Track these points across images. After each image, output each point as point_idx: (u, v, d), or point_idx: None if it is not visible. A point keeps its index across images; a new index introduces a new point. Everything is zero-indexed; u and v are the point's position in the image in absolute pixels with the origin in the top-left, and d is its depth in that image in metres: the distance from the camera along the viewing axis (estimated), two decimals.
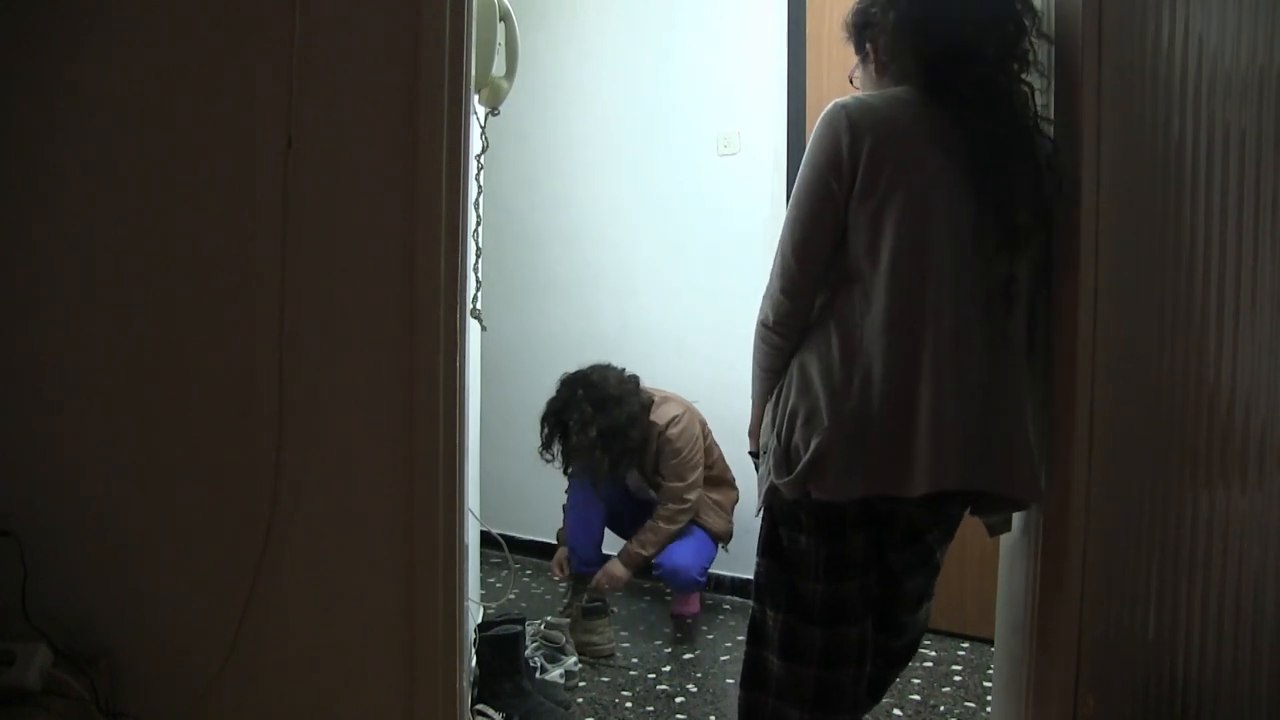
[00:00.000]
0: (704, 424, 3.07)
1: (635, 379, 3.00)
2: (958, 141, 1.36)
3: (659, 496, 2.98)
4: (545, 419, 2.97)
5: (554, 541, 3.65)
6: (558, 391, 2.97)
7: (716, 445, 3.12)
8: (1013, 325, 1.41)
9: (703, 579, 3.00)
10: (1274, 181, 1.44)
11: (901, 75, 1.45)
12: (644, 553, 2.97)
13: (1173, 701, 1.51)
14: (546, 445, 2.99)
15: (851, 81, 1.58)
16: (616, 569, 3.00)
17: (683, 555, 2.96)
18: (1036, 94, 1.46)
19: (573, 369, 3.03)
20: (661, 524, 2.95)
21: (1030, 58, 1.44)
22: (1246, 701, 1.47)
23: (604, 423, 2.85)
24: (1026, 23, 1.42)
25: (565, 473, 3.04)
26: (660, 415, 2.95)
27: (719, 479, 3.11)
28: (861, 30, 1.51)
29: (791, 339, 1.46)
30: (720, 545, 3.10)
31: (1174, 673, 1.51)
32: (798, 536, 1.45)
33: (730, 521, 3.11)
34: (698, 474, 2.97)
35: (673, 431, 2.92)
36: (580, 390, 2.89)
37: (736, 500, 3.14)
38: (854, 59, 1.57)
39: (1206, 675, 1.49)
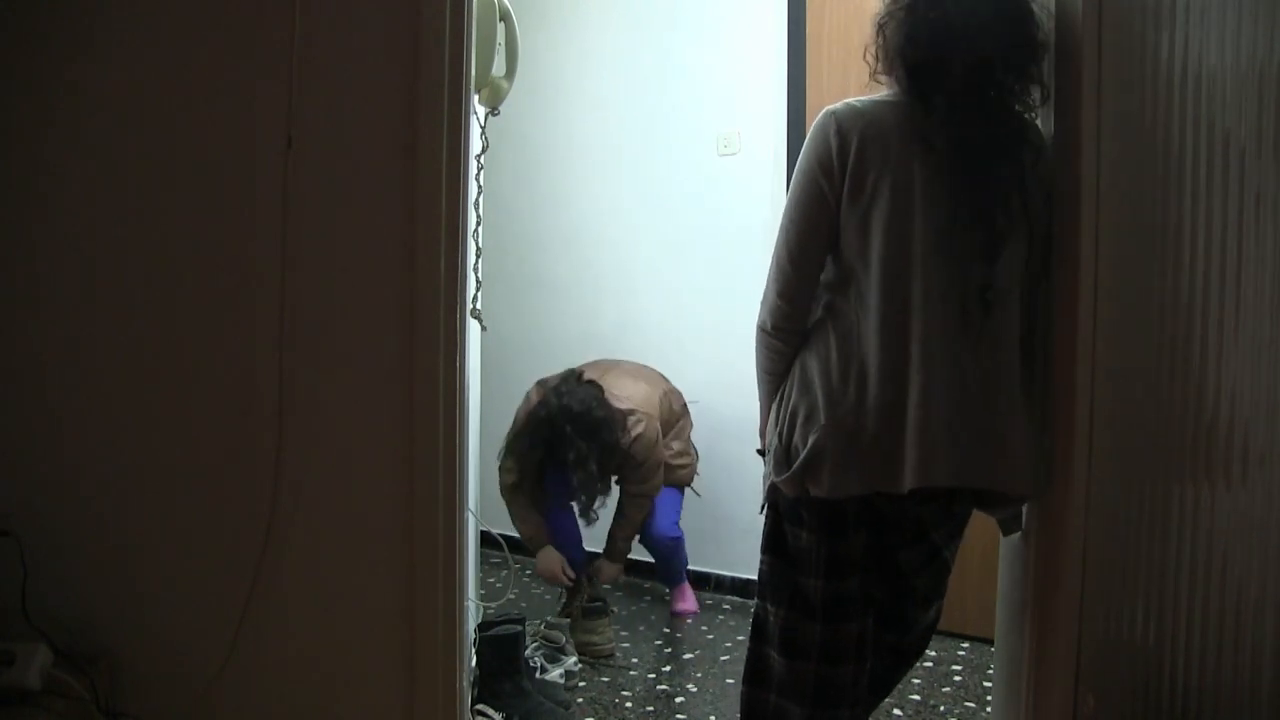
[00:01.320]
0: (669, 407, 3.06)
1: (598, 387, 2.92)
2: (937, 141, 1.37)
3: (623, 489, 2.98)
4: (530, 454, 2.87)
5: None
6: (536, 429, 2.85)
7: (688, 419, 3.13)
8: (996, 325, 1.41)
9: (678, 532, 3.07)
10: (1274, 181, 1.44)
11: (892, 71, 1.46)
12: (625, 546, 3.01)
13: (1173, 701, 1.51)
14: (539, 479, 2.92)
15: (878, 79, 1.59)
16: (608, 569, 3.05)
17: (653, 522, 3.03)
18: (1032, 100, 1.47)
19: (545, 396, 2.95)
20: (634, 514, 2.99)
21: (1031, 68, 1.44)
22: (1247, 702, 1.47)
23: (598, 452, 2.81)
24: (1027, 31, 1.42)
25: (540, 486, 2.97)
26: (630, 430, 2.89)
27: (681, 451, 3.11)
28: (878, 16, 1.50)
29: (792, 342, 1.47)
30: (686, 490, 3.12)
31: (1174, 673, 1.51)
32: (800, 533, 1.46)
33: (693, 460, 3.12)
34: (660, 473, 2.97)
35: (636, 448, 2.88)
36: (568, 426, 2.79)
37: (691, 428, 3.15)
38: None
39: (1206, 675, 1.49)
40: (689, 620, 3.07)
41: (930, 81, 1.39)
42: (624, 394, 2.94)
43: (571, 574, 2.96)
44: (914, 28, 1.40)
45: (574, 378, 2.96)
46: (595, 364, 3.13)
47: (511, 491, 2.95)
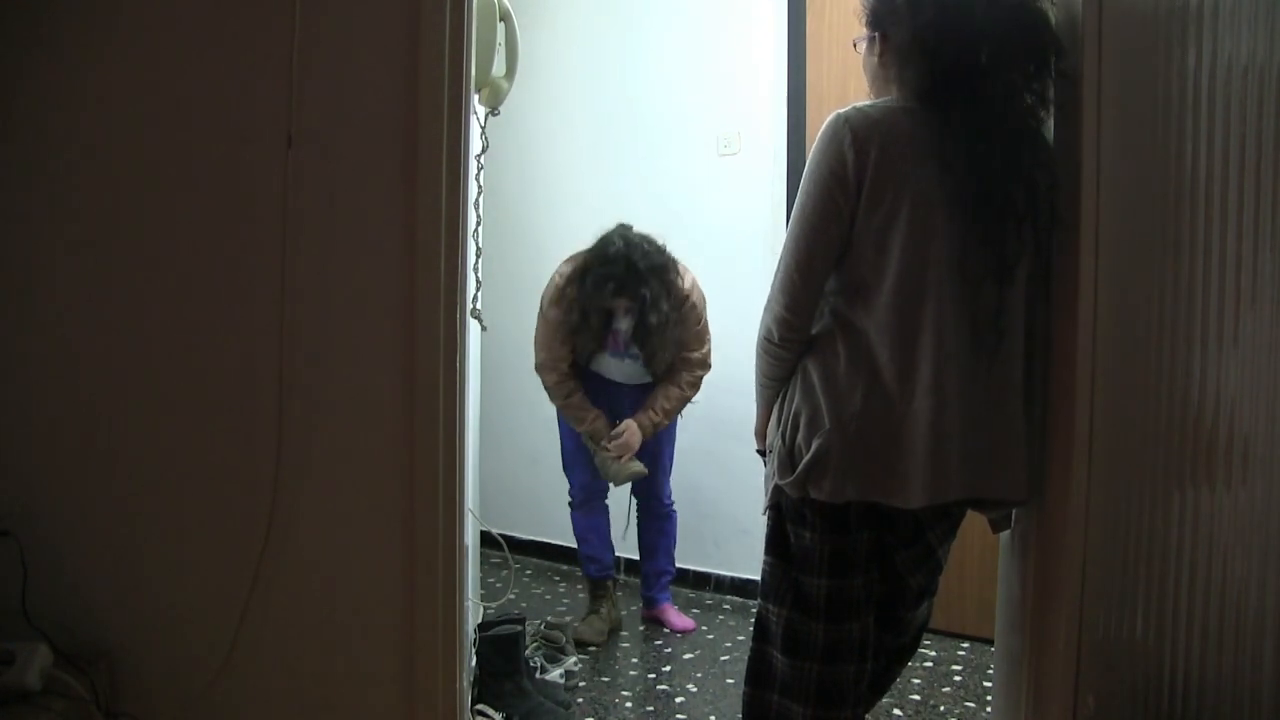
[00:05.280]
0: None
1: (653, 238, 2.83)
2: (954, 159, 1.36)
3: (679, 365, 2.87)
4: (594, 295, 2.70)
5: (555, 541, 3.65)
6: (605, 264, 2.70)
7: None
8: (1005, 343, 1.42)
9: (672, 499, 3.07)
10: (1274, 183, 1.44)
11: (904, 80, 1.44)
12: (661, 418, 2.87)
13: (1173, 701, 1.51)
14: (604, 315, 2.76)
15: (855, 47, 1.57)
16: (635, 436, 2.85)
17: (658, 482, 3.01)
18: (1044, 124, 1.47)
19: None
20: (686, 390, 2.89)
21: (1048, 93, 1.43)
22: (1247, 702, 1.47)
23: (666, 294, 2.73)
24: (1049, 58, 1.41)
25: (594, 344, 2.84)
26: (684, 280, 2.84)
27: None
28: (879, 15, 1.48)
29: (796, 350, 1.47)
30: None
31: (1174, 673, 1.51)
32: (804, 533, 1.46)
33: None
34: (709, 344, 2.91)
35: (694, 296, 2.85)
36: (640, 261, 2.69)
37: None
38: (853, 59, 1.57)
39: (1207, 675, 1.49)
40: (679, 634, 3.01)
41: (948, 86, 1.37)
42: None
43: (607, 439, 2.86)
44: (936, 39, 1.38)
45: (622, 225, 2.85)
46: None
47: (560, 390, 2.88)
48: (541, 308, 2.86)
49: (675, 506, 3.10)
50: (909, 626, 1.64)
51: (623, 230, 2.81)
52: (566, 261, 2.85)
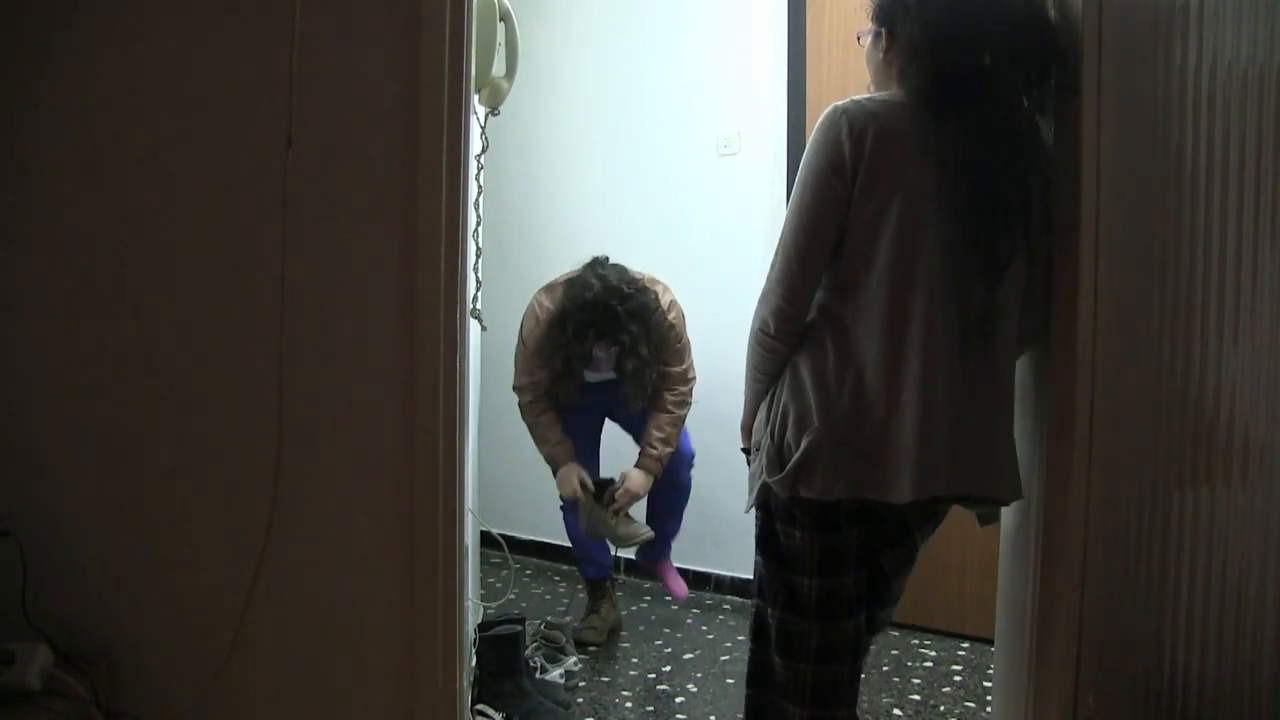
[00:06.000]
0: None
1: (625, 269, 2.79)
2: (949, 157, 1.36)
3: (661, 384, 2.82)
4: (574, 343, 2.67)
5: (555, 541, 3.65)
6: (583, 311, 2.65)
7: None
8: (994, 343, 1.42)
9: (693, 449, 2.99)
10: (1274, 183, 1.44)
11: (907, 76, 1.44)
12: (662, 450, 2.84)
13: (1173, 701, 1.51)
14: (586, 359, 2.72)
15: (859, 40, 1.57)
16: (637, 481, 2.83)
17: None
18: (1042, 130, 1.47)
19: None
20: (675, 410, 2.84)
21: (1047, 99, 1.44)
22: (1247, 701, 1.47)
23: (646, 333, 2.67)
24: (1050, 63, 1.42)
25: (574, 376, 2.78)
26: (662, 302, 2.78)
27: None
28: (886, 11, 1.48)
29: (790, 343, 1.47)
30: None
31: (1174, 672, 1.51)
32: (793, 532, 1.46)
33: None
34: (691, 353, 2.87)
35: (673, 316, 2.79)
36: (619, 306, 2.63)
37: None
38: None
39: (1207, 675, 1.49)
40: (676, 605, 3.00)
41: (950, 85, 1.38)
42: (647, 275, 2.83)
43: (590, 483, 2.82)
44: (944, 38, 1.38)
45: (597, 261, 2.79)
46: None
47: (532, 409, 2.84)
48: (521, 334, 2.83)
49: (691, 482, 3.01)
50: (882, 626, 1.65)
51: (598, 269, 2.75)
52: (544, 291, 2.82)
